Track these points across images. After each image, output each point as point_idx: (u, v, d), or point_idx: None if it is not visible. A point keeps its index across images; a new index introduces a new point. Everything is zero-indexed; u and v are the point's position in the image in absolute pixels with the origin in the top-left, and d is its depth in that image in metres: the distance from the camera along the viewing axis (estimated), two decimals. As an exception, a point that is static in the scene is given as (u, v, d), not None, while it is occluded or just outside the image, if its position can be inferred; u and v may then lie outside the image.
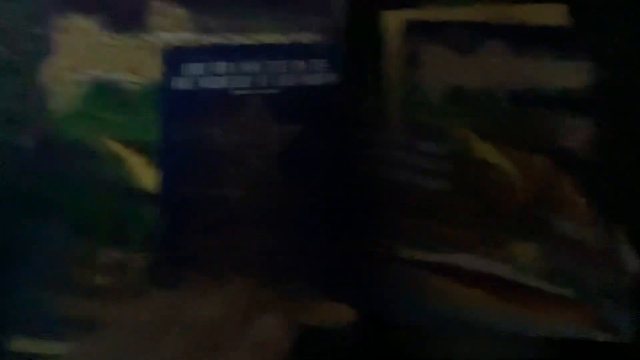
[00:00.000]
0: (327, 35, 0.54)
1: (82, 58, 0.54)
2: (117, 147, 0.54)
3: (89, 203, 0.53)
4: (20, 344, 0.53)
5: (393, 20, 0.58)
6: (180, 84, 0.51)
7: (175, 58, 0.52)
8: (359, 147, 0.55)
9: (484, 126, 0.56)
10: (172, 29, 0.55)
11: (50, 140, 0.53)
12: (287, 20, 0.55)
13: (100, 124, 0.54)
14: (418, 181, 0.55)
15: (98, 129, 0.54)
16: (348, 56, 0.53)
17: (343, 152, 0.51)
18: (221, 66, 0.51)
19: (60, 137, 0.54)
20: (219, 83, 0.51)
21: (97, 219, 0.54)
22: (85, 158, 0.53)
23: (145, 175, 0.54)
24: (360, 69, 0.56)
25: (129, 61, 0.55)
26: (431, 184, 0.55)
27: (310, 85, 0.51)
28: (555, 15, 0.56)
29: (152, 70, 0.52)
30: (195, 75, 0.51)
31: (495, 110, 0.56)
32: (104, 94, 0.55)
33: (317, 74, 0.51)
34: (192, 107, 0.51)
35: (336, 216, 0.50)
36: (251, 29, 0.54)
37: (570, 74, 0.56)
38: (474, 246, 0.54)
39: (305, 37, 0.54)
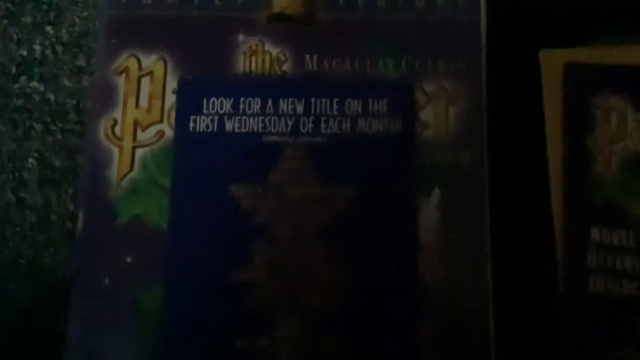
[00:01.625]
0: (465, 80, 0.37)
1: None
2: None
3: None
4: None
5: (549, 64, 0.40)
6: (200, 125, 0.37)
7: (194, 91, 0.37)
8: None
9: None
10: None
11: (107, 218, 0.36)
12: (414, 61, 0.38)
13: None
14: (593, 285, 0.35)
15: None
16: (494, 114, 0.37)
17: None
18: (254, 104, 0.38)
19: (119, 213, 0.36)
20: (250, 126, 0.37)
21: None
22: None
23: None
24: (511, 130, 0.39)
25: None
26: (612, 288, 0.35)
27: (366, 134, 0.37)
28: None
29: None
30: (219, 115, 0.37)
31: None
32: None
33: (377, 119, 0.37)
34: (214, 157, 0.37)
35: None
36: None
37: None
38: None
39: (435, 85, 0.37)
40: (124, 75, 0.38)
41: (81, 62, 0.44)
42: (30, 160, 0.42)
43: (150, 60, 0.38)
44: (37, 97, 0.43)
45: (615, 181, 0.37)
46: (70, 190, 0.42)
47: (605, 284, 0.36)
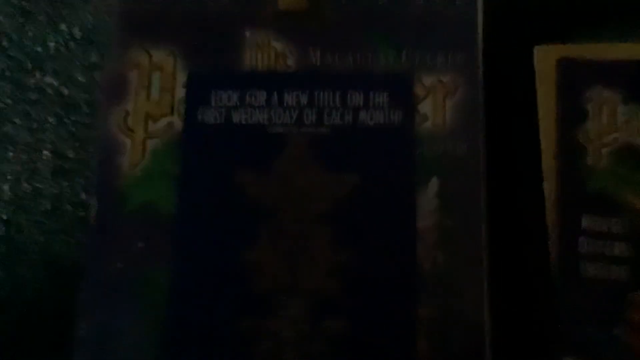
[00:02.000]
0: (462, 74, 0.39)
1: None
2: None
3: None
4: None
5: (543, 59, 0.42)
6: (208, 116, 0.39)
7: (202, 84, 0.39)
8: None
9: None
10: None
11: (118, 205, 0.38)
12: (413, 55, 0.39)
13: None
14: (584, 270, 0.37)
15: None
16: (490, 106, 0.39)
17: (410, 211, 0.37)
18: (260, 96, 0.39)
19: (130, 201, 0.38)
20: (256, 118, 0.39)
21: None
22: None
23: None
24: (506, 122, 0.41)
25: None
26: (605, 272, 0.37)
27: (367, 125, 0.39)
28: None
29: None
30: (227, 107, 0.39)
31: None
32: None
33: (377, 111, 0.38)
34: (221, 147, 0.38)
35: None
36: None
37: None
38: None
39: (433, 78, 0.39)
40: (135, 69, 0.40)
41: (93, 57, 0.45)
42: (44, 151, 0.44)
43: (160, 55, 0.40)
44: (50, 91, 0.45)
45: (606, 171, 0.39)
46: (82, 180, 0.43)
47: (595, 268, 0.38)
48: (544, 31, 0.42)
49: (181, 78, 0.40)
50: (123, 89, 0.40)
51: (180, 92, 0.39)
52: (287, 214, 0.37)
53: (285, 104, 0.39)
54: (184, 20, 0.40)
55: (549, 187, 0.39)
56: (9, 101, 0.44)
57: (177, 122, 0.39)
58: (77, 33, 0.46)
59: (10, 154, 0.44)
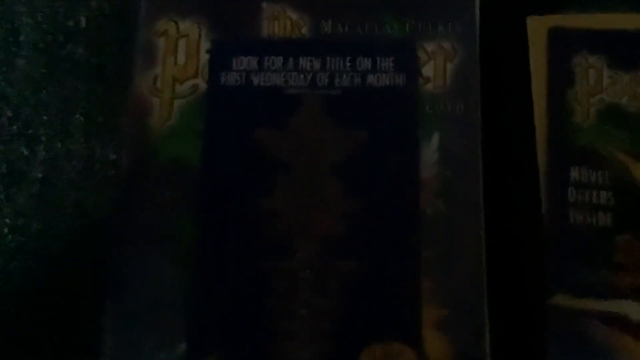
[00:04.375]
0: (461, 41, 0.42)
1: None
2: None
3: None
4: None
5: (535, 28, 0.45)
6: (230, 79, 0.43)
7: (225, 50, 0.43)
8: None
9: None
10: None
11: (147, 159, 0.42)
12: (417, 24, 0.43)
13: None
14: (573, 217, 0.40)
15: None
16: (486, 70, 0.42)
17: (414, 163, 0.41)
18: (276, 61, 0.43)
19: (158, 155, 0.42)
20: (273, 80, 0.42)
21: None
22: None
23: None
24: (501, 84, 0.44)
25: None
26: (589, 219, 0.40)
27: (375, 87, 0.42)
28: None
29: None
30: (247, 71, 0.43)
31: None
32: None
33: (384, 74, 0.42)
34: (242, 106, 0.42)
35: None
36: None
37: None
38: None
39: (434, 44, 0.42)
40: (163, 37, 0.44)
41: (120, 31, 0.49)
42: (76, 116, 0.47)
43: (186, 24, 0.44)
44: (82, 62, 0.48)
45: (592, 128, 0.43)
46: (112, 142, 0.47)
47: (583, 216, 0.42)
48: (536, 3, 0.46)
49: (205, 45, 0.43)
50: (153, 55, 0.43)
51: (204, 58, 0.43)
52: (301, 166, 0.41)
53: (300, 68, 0.43)
54: (207, -7, 0.46)
55: (541, 142, 0.43)
56: (43, 70, 0.48)
57: (202, 84, 0.43)
58: (106, 8, 0.49)
59: (45, 117, 0.48)
